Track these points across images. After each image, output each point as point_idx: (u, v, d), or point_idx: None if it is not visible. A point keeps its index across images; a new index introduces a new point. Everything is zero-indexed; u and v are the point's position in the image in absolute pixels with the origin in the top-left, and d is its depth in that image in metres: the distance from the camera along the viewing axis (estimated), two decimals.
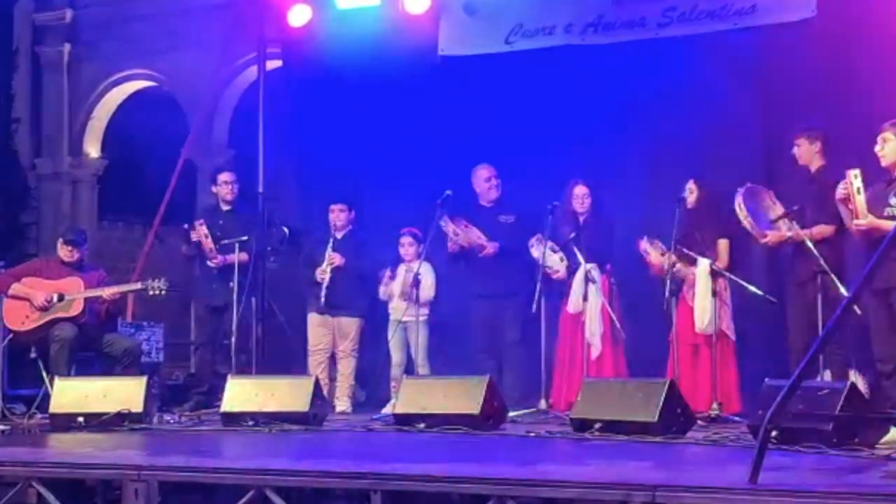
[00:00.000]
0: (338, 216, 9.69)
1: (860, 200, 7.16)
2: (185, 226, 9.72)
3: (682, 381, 8.12)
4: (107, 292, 8.87)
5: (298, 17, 10.76)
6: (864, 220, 7.15)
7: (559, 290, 9.16)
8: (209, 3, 12.49)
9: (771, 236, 8.04)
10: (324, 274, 9.52)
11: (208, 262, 9.57)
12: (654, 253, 8.72)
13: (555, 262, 9.00)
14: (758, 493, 4.54)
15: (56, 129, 13.73)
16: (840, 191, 7.36)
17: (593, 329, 8.96)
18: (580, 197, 9.16)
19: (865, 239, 7.26)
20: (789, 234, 7.89)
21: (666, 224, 8.58)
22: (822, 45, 9.04)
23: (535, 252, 9.08)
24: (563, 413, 8.39)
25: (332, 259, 9.53)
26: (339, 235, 9.68)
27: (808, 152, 8.06)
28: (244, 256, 9.42)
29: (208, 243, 9.48)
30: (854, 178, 7.18)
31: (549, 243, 8.96)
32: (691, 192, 8.68)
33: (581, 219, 9.19)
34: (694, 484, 4.73)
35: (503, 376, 9.18)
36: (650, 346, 8.94)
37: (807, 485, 4.69)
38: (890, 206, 7.23)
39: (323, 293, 9.52)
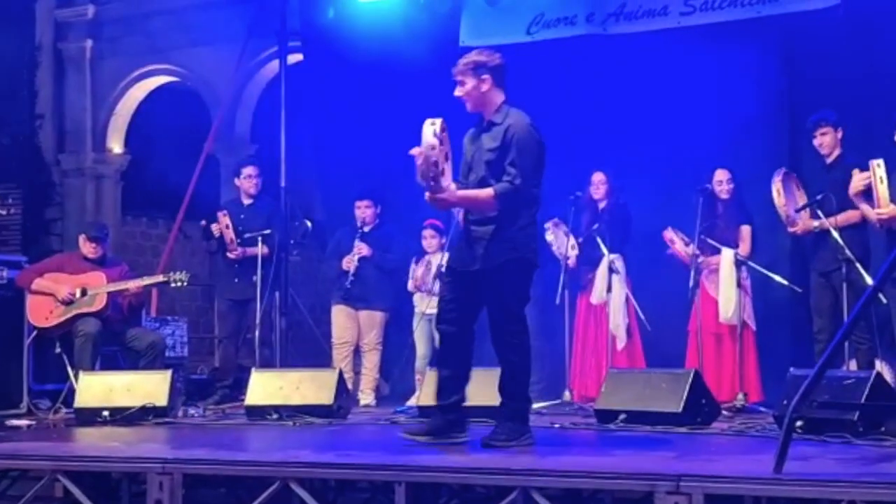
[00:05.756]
0: (364, 212, 9.70)
1: (882, 190, 7.11)
2: (203, 222, 9.74)
3: (706, 371, 8.10)
4: (129, 285, 8.89)
5: None
6: (887, 209, 7.11)
7: (578, 281, 9.15)
8: None
9: (800, 225, 7.99)
10: (350, 263, 9.54)
11: (228, 254, 9.59)
12: (679, 242, 8.71)
13: (569, 247, 8.99)
14: (783, 482, 4.52)
15: (79, 125, 13.76)
16: (857, 182, 7.31)
17: (618, 320, 8.94)
18: (596, 184, 9.18)
19: (887, 228, 7.21)
20: (817, 223, 7.85)
21: (689, 214, 8.56)
22: (846, 33, 8.99)
23: (550, 236, 9.07)
24: (587, 404, 8.37)
25: (359, 249, 9.55)
26: (366, 229, 9.69)
27: (833, 140, 8.00)
28: (265, 250, 9.42)
29: (229, 234, 9.50)
30: (877, 168, 7.14)
31: (566, 228, 8.96)
32: (728, 182, 8.65)
33: (600, 207, 9.19)
34: (719, 473, 4.71)
35: None
36: (668, 337, 8.92)
37: (832, 474, 4.66)
38: None
39: (349, 282, 9.53)
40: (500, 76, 6.23)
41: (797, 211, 8.02)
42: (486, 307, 6.14)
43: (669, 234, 8.79)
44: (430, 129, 5.96)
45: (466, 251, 6.13)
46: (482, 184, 6.07)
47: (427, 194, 6.04)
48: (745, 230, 8.61)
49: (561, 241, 9.04)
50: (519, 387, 6.15)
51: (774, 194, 8.01)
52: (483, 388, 7.64)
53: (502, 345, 6.10)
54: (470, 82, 6.19)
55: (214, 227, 9.61)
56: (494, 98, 6.22)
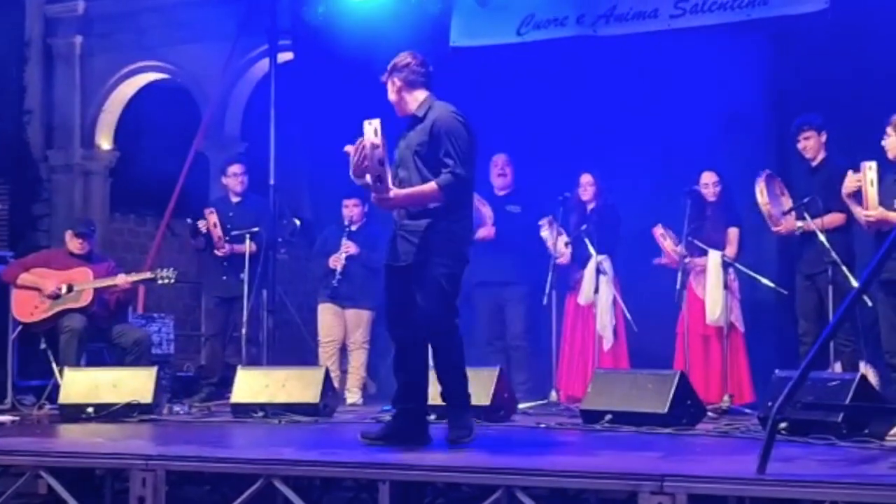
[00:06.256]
0: (351, 210, 9.69)
1: (872, 192, 7.15)
2: (189, 220, 9.72)
3: (693, 372, 8.12)
4: (116, 281, 8.88)
5: None
6: (875, 211, 7.14)
7: (566, 281, 9.16)
8: None
9: (784, 225, 8.03)
10: (337, 262, 9.53)
11: (216, 252, 9.58)
12: (668, 241, 8.75)
13: (560, 246, 9.01)
14: (766, 482, 4.52)
15: (68, 121, 13.68)
16: (850, 183, 7.34)
17: (605, 321, 8.96)
18: (585, 185, 9.22)
19: (875, 230, 7.24)
20: (801, 224, 7.88)
21: (677, 216, 8.58)
22: (835, 36, 9.00)
23: (545, 233, 9.10)
24: (573, 405, 8.38)
25: (347, 247, 9.54)
26: (353, 228, 9.68)
27: (817, 144, 8.05)
28: (253, 248, 9.42)
29: (217, 232, 9.49)
30: (869, 170, 7.17)
31: (559, 229, 8.99)
32: (715, 185, 8.69)
33: (588, 208, 9.21)
34: (702, 474, 4.72)
35: (511, 368, 9.18)
36: (656, 338, 8.93)
37: (815, 475, 4.67)
38: None
39: (336, 280, 9.52)
40: (412, 75, 6.13)
41: (784, 213, 8.05)
42: (419, 298, 5.94)
43: (660, 230, 8.82)
44: (371, 128, 5.83)
45: (402, 246, 5.97)
46: (415, 177, 5.96)
47: (373, 196, 5.95)
48: (733, 232, 8.64)
49: (554, 239, 9.04)
50: (462, 379, 6.10)
51: (758, 194, 8.06)
52: (472, 389, 7.66)
53: (440, 336, 5.98)
54: (389, 88, 6.17)
55: (201, 224, 9.59)
56: (413, 96, 6.14)
